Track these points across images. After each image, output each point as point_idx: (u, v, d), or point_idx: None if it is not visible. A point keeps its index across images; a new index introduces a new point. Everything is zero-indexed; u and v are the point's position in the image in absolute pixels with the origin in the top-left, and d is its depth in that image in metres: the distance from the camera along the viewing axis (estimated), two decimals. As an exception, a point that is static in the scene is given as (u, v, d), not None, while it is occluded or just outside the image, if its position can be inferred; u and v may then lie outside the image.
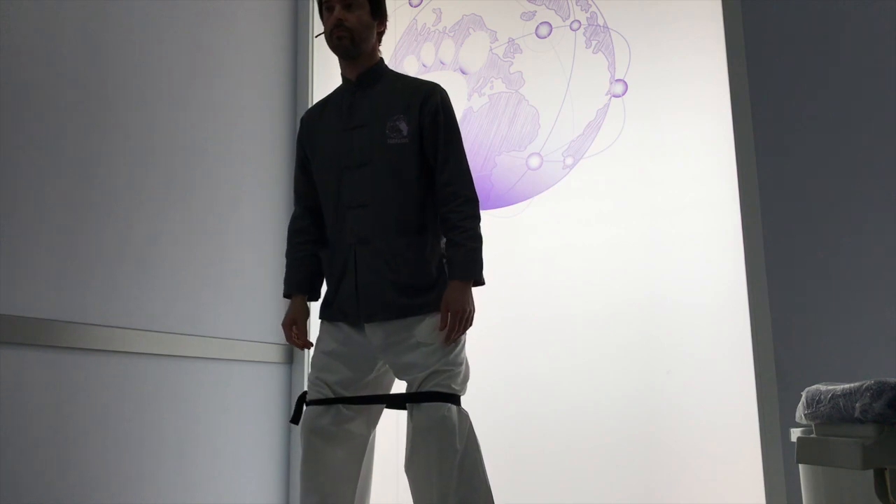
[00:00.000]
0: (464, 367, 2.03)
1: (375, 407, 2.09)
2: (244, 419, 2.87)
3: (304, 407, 2.08)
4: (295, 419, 2.10)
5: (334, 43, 2.10)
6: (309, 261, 2.20)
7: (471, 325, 2.01)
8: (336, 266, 2.09)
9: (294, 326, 2.15)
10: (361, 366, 2.07)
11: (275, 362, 3.05)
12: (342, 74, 2.18)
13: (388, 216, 2.03)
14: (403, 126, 2.05)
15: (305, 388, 2.16)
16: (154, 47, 2.61)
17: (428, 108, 2.06)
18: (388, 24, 2.21)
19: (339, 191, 2.08)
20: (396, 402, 2.03)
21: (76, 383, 2.22)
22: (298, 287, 2.18)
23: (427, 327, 1.99)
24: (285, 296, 2.21)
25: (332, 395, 2.04)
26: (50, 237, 2.18)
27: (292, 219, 2.26)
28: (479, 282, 2.04)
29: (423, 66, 3.22)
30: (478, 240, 2.03)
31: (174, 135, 2.66)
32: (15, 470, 2.02)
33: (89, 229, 2.31)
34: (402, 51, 3.27)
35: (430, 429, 1.88)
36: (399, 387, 2.27)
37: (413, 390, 1.96)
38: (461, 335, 1.99)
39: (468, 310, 1.99)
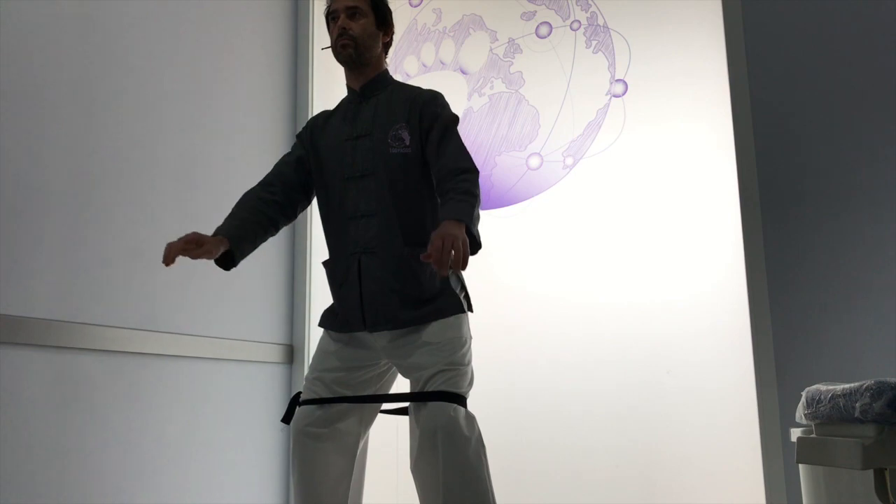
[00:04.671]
0: (470, 368, 2.01)
1: (370, 406, 2.08)
2: (244, 419, 2.87)
3: (297, 407, 2.07)
4: (287, 418, 2.09)
5: (339, 51, 2.09)
6: (256, 226, 2.05)
7: (464, 261, 1.74)
8: (337, 275, 2.08)
9: (196, 241, 1.89)
10: (362, 364, 2.07)
11: (275, 362, 3.06)
12: (347, 85, 2.17)
13: (393, 226, 2.01)
14: (406, 135, 2.04)
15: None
16: (156, 54, 2.61)
17: (427, 113, 2.05)
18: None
19: (343, 201, 2.06)
20: (399, 401, 2.01)
21: (76, 383, 2.22)
22: (227, 233, 1.98)
23: (434, 329, 1.97)
24: (213, 234, 1.99)
25: (329, 394, 2.03)
26: (50, 237, 2.18)
27: (263, 183, 2.12)
28: (472, 232, 1.84)
29: (423, 65, 3.22)
30: (470, 195, 1.89)
31: (176, 137, 2.66)
32: (15, 470, 2.02)
33: (90, 230, 2.31)
34: (402, 51, 3.27)
35: (436, 430, 1.84)
36: (400, 387, 2.27)
37: (418, 389, 1.93)
38: (452, 263, 1.73)
39: (461, 237, 1.75)
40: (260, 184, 2.13)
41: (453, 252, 1.73)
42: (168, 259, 1.85)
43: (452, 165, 1.96)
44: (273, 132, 3.19)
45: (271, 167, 3.12)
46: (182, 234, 2.63)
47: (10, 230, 2.07)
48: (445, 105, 2.09)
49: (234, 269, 2.87)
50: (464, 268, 1.74)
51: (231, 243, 1.99)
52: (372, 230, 2.02)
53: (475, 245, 1.88)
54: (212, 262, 2.76)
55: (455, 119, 2.07)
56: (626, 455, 2.65)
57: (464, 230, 1.79)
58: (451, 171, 1.95)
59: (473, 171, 1.96)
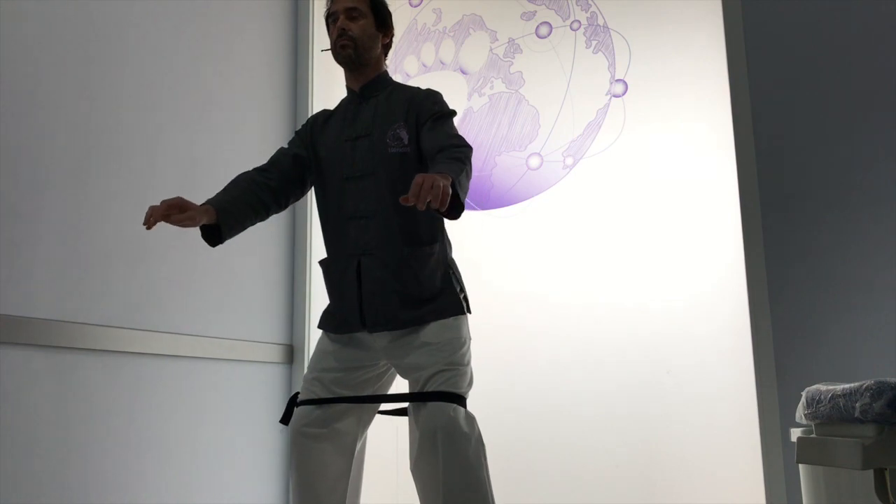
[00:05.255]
0: (469, 368, 2.01)
1: (368, 406, 2.08)
2: (244, 419, 2.87)
3: (295, 407, 2.07)
4: (285, 420, 2.08)
5: (338, 52, 2.09)
6: (246, 206, 2.02)
7: (443, 200, 1.65)
8: (334, 274, 2.08)
9: (180, 206, 1.84)
10: (361, 364, 2.07)
11: (275, 362, 3.06)
12: (347, 86, 2.18)
13: (393, 227, 2.00)
14: (404, 134, 2.04)
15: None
16: (156, 54, 2.61)
17: (424, 110, 2.06)
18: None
19: (342, 201, 2.06)
20: (399, 402, 2.01)
21: (76, 383, 2.22)
22: (216, 205, 1.95)
23: (433, 329, 1.97)
24: (202, 204, 1.95)
25: (327, 394, 2.02)
26: (50, 237, 2.18)
27: (259, 169, 2.10)
28: (457, 192, 1.77)
29: (423, 65, 3.22)
30: (460, 161, 1.83)
31: (176, 137, 2.66)
32: (16, 469, 2.02)
33: (89, 229, 2.31)
34: (402, 51, 3.27)
35: (435, 430, 1.84)
36: (399, 388, 2.27)
37: (417, 390, 1.93)
38: (429, 200, 1.66)
39: (443, 182, 1.67)
40: (256, 169, 2.12)
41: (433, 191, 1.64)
42: (149, 222, 1.81)
43: (446, 143, 1.95)
44: (273, 132, 3.19)
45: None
46: (181, 232, 2.63)
47: (10, 230, 2.07)
48: (442, 102, 2.09)
49: (233, 270, 2.87)
50: (442, 207, 1.66)
51: (218, 216, 1.95)
52: (371, 231, 2.02)
53: (458, 206, 1.79)
54: (210, 262, 2.76)
55: (451, 111, 2.07)
56: (626, 455, 2.65)
57: (449, 182, 1.72)
58: (444, 146, 1.93)
59: (467, 147, 1.93)
